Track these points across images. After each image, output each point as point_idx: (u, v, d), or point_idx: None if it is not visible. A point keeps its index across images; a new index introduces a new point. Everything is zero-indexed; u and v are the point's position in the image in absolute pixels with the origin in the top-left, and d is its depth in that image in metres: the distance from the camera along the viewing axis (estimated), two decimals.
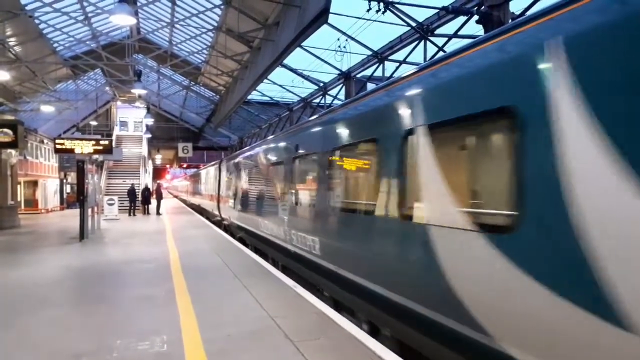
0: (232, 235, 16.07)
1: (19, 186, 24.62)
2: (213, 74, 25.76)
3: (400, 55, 14.10)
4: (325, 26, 11.27)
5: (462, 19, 10.62)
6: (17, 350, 4.78)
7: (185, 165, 59.03)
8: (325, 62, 16.30)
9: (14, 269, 9.60)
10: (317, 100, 21.23)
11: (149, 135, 39.52)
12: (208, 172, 26.47)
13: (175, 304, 6.42)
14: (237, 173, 15.69)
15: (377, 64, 14.85)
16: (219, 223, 20.16)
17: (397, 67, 14.31)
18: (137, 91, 21.54)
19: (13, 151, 20.21)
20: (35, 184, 29.59)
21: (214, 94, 31.84)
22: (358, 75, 16.63)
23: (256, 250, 12.31)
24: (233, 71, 22.72)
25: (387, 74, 14.58)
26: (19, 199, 24.43)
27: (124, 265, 9.69)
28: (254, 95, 23.96)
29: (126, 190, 26.77)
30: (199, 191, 31.35)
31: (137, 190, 26.57)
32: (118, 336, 5.06)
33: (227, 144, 42.24)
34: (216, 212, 21.19)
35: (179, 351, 4.61)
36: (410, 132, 4.63)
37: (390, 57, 14.43)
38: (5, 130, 17.83)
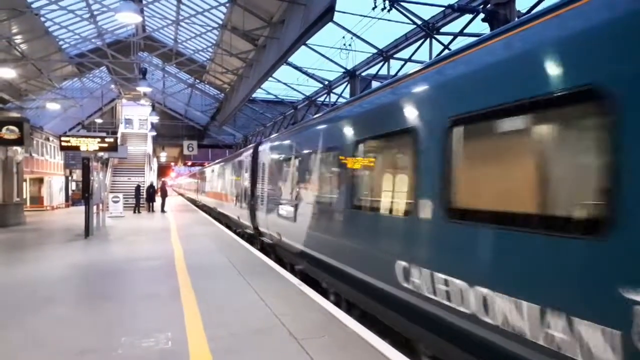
0: (281, 262, 10.37)
1: (24, 183, 24.73)
2: (218, 72, 25.76)
3: (405, 53, 14.06)
4: (330, 24, 11.22)
5: (467, 17, 10.56)
6: (23, 347, 4.80)
7: (190, 163, 59.17)
8: (331, 60, 16.26)
9: (20, 266, 9.64)
10: (321, 99, 21.20)
11: (154, 133, 39.59)
12: (232, 164, 18.94)
13: (180, 301, 6.42)
14: (300, 160, 9.03)
15: (382, 62, 14.81)
16: (250, 238, 14.29)
17: (403, 66, 14.26)
18: (142, 89, 21.58)
19: (19, 148, 20.30)
20: (40, 181, 29.74)
21: (218, 92, 31.87)
22: (363, 74, 16.59)
23: (350, 307, 6.67)
24: (238, 69, 22.72)
25: (392, 72, 14.54)
26: (24, 196, 24.56)
27: (129, 263, 9.71)
28: (258, 94, 23.98)
29: (133, 188, 26.99)
30: (215, 190, 23.86)
31: (142, 188, 26.82)
32: (123, 333, 5.07)
33: (231, 142, 42.33)
34: (246, 222, 14.43)
35: (183, 348, 4.61)
36: None
37: (395, 56, 14.38)
38: (11, 127, 17.92)
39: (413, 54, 13.53)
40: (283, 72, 18.60)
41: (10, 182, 19.89)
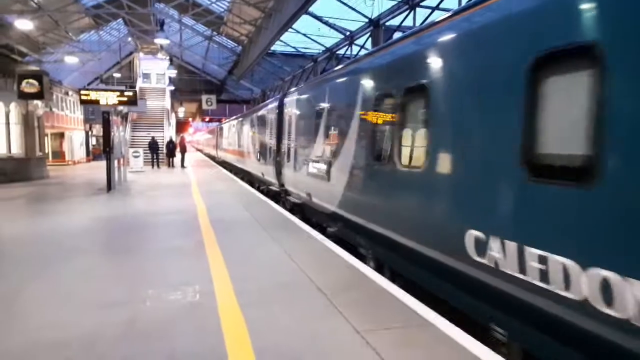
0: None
1: (46, 138, 24.92)
2: (235, 23, 25.10)
3: (433, 1, 13.36)
4: None
5: None
6: (51, 300, 4.79)
7: (207, 119, 59.04)
8: (353, 9, 15.60)
9: (46, 218, 9.74)
10: (342, 51, 20.56)
11: (172, 88, 39.34)
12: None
13: (205, 255, 6.37)
14: None
15: (408, 11, 14.14)
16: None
17: (429, 14, 13.59)
18: (160, 41, 21.18)
19: (39, 102, 20.29)
20: (61, 136, 29.98)
21: (236, 45, 31.22)
22: (387, 24, 15.91)
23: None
24: (256, 20, 22.07)
25: (418, 23, 13.89)
26: (46, 151, 24.81)
27: (152, 217, 9.72)
28: (277, 46, 23.34)
29: (147, 143, 26.81)
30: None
31: (160, 143, 26.74)
32: (149, 286, 5.03)
33: (249, 97, 41.87)
34: None
35: (211, 302, 4.55)
36: None
37: (422, 4, 13.69)
38: (31, 81, 17.84)
39: (441, 1, 12.86)
40: (303, 22, 17.93)
41: (32, 136, 20.00)
